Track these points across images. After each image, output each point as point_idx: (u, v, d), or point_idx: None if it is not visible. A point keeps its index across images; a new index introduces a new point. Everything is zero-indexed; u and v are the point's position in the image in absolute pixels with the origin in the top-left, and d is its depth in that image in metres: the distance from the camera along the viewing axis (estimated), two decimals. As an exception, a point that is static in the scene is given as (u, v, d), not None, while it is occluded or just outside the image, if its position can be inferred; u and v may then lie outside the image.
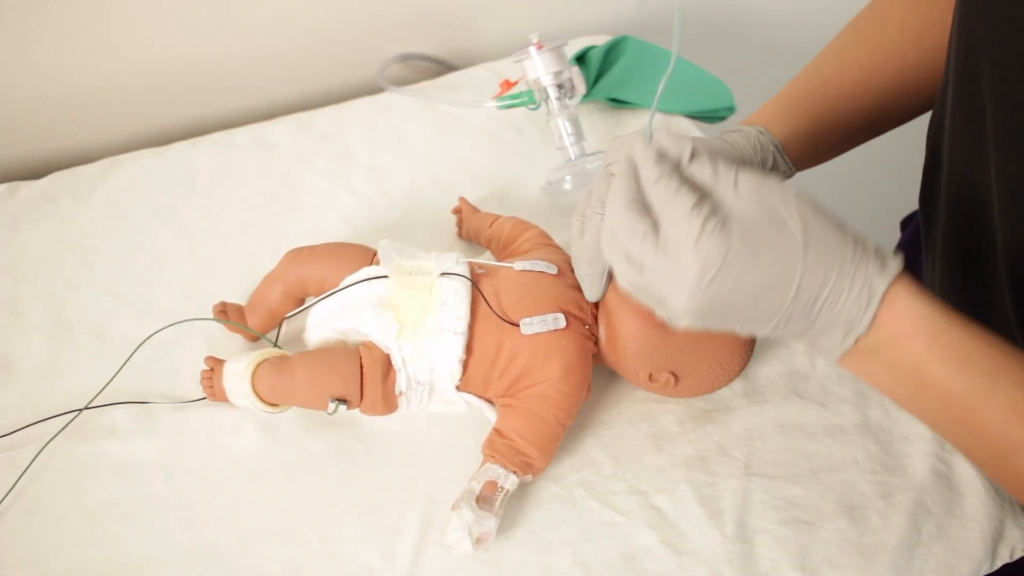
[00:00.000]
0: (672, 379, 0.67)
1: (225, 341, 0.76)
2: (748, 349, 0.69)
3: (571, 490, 0.66)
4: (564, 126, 0.86)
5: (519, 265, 0.69)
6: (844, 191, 1.33)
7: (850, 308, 0.49)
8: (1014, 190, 0.57)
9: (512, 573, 0.62)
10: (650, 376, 0.68)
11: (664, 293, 0.51)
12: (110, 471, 0.68)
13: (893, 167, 1.32)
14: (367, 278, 0.68)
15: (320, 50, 1.05)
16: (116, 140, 1.00)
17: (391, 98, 1.00)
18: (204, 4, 0.95)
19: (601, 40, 1.05)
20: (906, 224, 0.95)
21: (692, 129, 0.96)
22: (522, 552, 0.63)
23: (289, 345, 0.73)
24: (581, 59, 1.01)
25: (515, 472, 0.64)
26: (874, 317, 0.49)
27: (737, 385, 0.72)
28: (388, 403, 0.66)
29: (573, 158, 0.86)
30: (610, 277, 0.67)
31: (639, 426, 0.70)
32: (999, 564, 0.64)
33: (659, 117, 0.98)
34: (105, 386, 0.72)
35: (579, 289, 0.69)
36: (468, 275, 0.68)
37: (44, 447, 0.68)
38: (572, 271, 0.70)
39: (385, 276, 0.68)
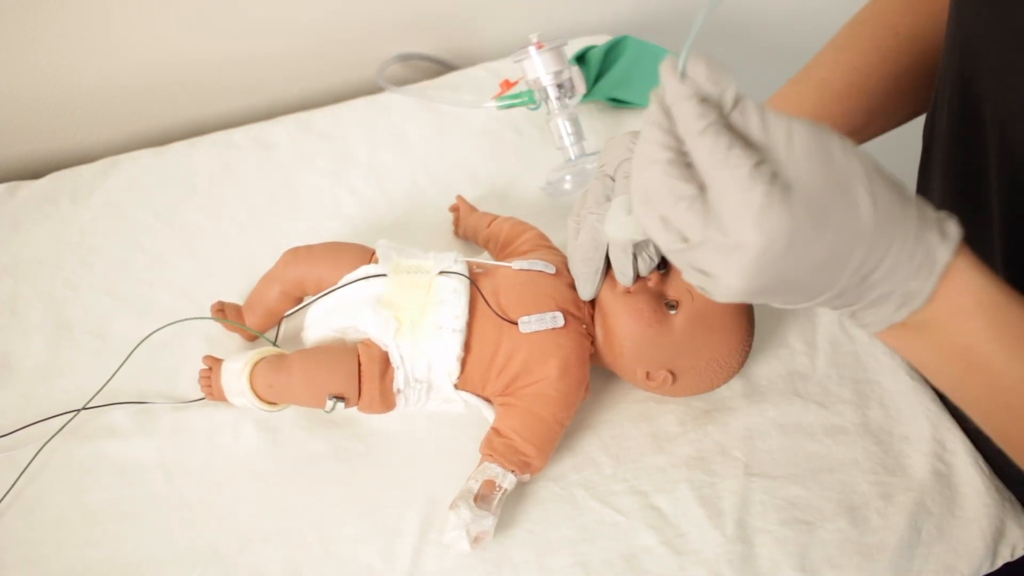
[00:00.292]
0: (670, 377, 0.67)
1: (224, 341, 0.76)
2: (746, 346, 0.69)
3: (571, 490, 0.66)
4: (564, 126, 0.86)
5: (517, 264, 0.69)
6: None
7: (909, 280, 0.44)
8: (1011, 190, 0.56)
9: (512, 573, 0.62)
10: (648, 375, 0.68)
11: (713, 268, 0.45)
12: (110, 471, 0.68)
13: (888, 168, 1.31)
14: (365, 276, 0.68)
15: (320, 50, 1.05)
16: (116, 140, 1.00)
17: (391, 98, 1.00)
18: (204, 4, 0.95)
19: (601, 40, 1.05)
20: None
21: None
22: (522, 552, 0.63)
23: (288, 344, 0.73)
24: (581, 59, 1.01)
25: (513, 471, 0.64)
26: (933, 290, 0.44)
27: (737, 385, 0.72)
28: (386, 401, 0.66)
29: (573, 158, 0.86)
30: (604, 276, 0.67)
31: (639, 426, 0.70)
32: (1000, 563, 0.64)
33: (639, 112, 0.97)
34: (104, 386, 0.72)
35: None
36: (467, 274, 0.68)
37: (43, 447, 0.68)
38: (570, 271, 0.70)
39: (383, 274, 0.68)
